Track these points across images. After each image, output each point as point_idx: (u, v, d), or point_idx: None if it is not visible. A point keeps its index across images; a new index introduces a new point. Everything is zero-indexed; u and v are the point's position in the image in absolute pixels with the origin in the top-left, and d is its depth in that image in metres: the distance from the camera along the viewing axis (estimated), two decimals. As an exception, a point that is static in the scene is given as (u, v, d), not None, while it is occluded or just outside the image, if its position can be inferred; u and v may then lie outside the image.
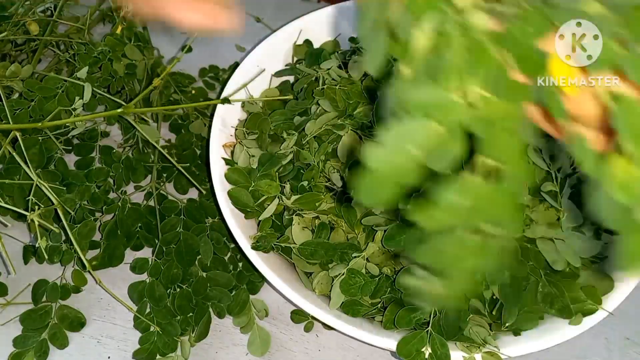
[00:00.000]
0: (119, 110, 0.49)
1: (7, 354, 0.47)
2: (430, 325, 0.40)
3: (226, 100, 0.49)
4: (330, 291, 0.43)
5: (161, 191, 0.54)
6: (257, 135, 0.49)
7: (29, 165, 0.47)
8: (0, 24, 0.56)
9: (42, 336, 0.46)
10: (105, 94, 0.53)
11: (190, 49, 0.66)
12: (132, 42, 0.58)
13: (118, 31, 0.57)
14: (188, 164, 0.55)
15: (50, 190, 0.46)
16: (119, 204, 0.51)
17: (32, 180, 0.46)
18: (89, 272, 0.47)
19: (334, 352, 0.49)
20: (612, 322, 0.50)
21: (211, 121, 0.50)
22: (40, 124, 0.48)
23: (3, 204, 0.46)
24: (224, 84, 0.53)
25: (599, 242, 0.44)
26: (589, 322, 0.41)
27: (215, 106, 0.51)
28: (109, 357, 0.48)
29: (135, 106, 0.50)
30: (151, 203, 0.53)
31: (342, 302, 0.42)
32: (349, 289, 0.41)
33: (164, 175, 0.56)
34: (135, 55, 0.56)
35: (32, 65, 0.54)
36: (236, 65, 0.66)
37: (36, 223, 0.43)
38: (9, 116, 0.49)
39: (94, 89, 0.52)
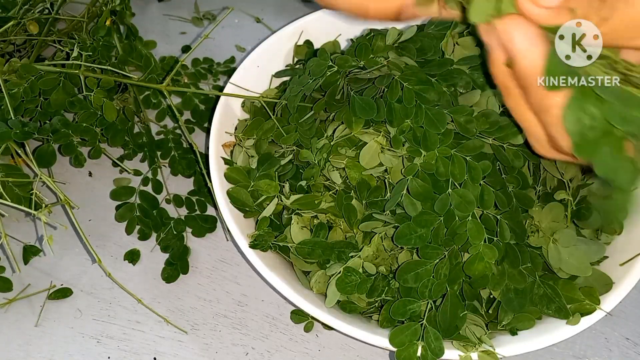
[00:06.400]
0: (162, 85, 0.53)
1: (9, 350, 0.47)
2: (425, 318, 0.40)
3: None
4: (327, 290, 0.43)
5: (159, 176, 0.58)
6: (255, 140, 0.49)
7: (33, 162, 0.48)
8: (1, 25, 0.56)
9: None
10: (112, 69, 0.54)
11: (189, 49, 0.66)
12: (122, 33, 0.59)
13: (107, 23, 0.57)
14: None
15: (55, 185, 0.46)
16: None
17: (33, 180, 0.47)
18: (99, 265, 0.48)
19: (334, 352, 0.49)
20: (612, 322, 0.50)
21: (211, 120, 0.50)
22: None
23: (8, 203, 0.46)
24: (216, 75, 0.53)
25: (601, 244, 0.44)
26: (585, 322, 0.41)
27: (215, 106, 0.51)
28: (108, 357, 0.48)
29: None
30: (147, 188, 0.57)
31: (339, 300, 0.42)
32: (344, 287, 0.41)
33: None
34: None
35: (31, 61, 0.54)
36: (232, 59, 0.66)
37: (43, 220, 0.43)
38: (10, 110, 0.49)
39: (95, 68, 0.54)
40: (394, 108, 0.43)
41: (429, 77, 0.44)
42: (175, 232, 0.54)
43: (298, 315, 0.49)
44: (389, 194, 0.44)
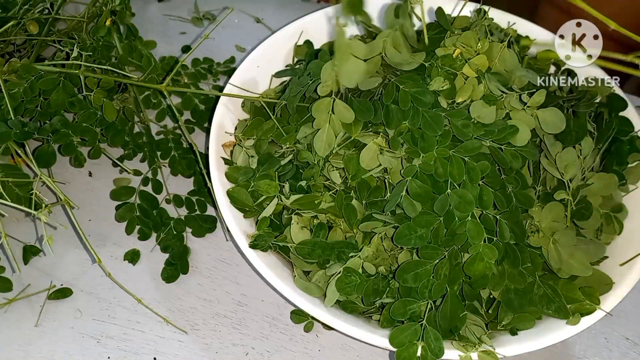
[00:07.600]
0: (162, 85, 0.53)
1: (9, 350, 0.47)
2: (425, 318, 0.40)
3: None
4: (326, 290, 0.43)
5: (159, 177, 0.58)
6: (255, 140, 0.49)
7: (33, 162, 0.48)
8: (1, 25, 0.56)
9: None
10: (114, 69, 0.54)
11: (189, 49, 0.66)
12: (122, 33, 0.59)
13: (107, 23, 0.57)
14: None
15: (55, 186, 0.47)
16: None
17: (33, 180, 0.47)
18: (99, 265, 0.48)
19: (334, 352, 0.49)
20: (612, 322, 0.50)
21: (211, 120, 0.50)
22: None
23: (8, 203, 0.46)
24: (216, 75, 0.53)
25: (601, 244, 0.44)
26: (585, 322, 0.41)
27: (215, 106, 0.51)
28: (108, 357, 0.48)
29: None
30: (147, 188, 0.57)
31: (339, 300, 0.42)
32: (344, 288, 0.41)
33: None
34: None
35: (31, 61, 0.54)
36: (232, 59, 0.66)
37: (43, 220, 0.43)
38: (10, 110, 0.49)
39: (95, 68, 0.54)
40: (390, 110, 0.43)
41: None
42: (175, 232, 0.54)
43: (298, 315, 0.49)
44: (388, 194, 0.44)
